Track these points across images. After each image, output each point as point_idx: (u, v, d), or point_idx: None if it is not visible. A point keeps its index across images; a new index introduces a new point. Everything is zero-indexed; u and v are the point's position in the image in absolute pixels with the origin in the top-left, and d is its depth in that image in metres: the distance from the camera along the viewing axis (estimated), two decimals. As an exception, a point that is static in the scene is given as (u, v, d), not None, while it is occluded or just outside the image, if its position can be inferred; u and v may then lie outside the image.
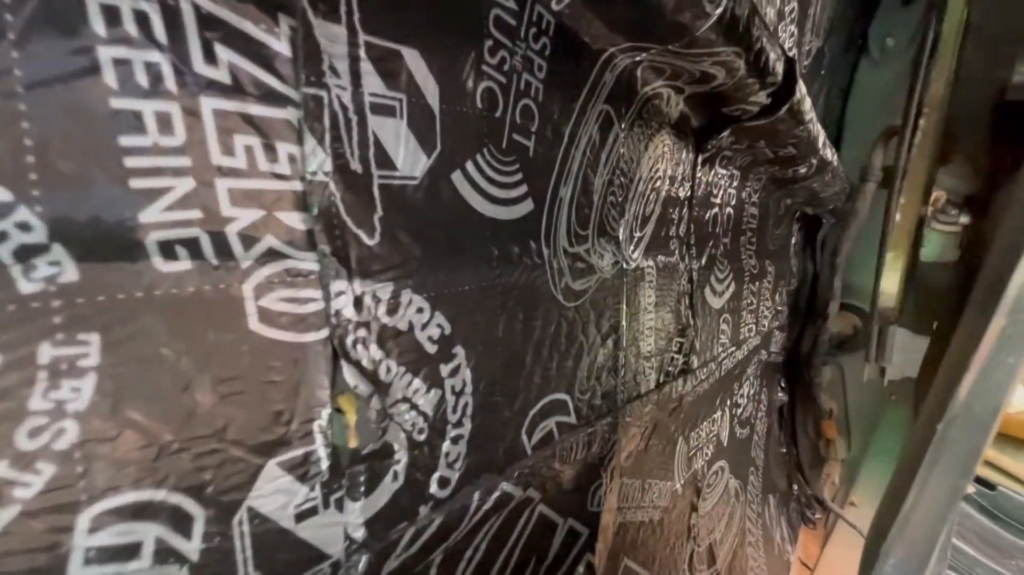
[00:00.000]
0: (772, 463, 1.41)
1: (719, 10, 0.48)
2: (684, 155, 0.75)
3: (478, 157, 0.42)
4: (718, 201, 0.87)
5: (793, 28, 1.01)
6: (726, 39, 0.52)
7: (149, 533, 0.26)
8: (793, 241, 1.37)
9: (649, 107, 0.64)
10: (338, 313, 0.32)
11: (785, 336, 1.39)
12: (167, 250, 0.25)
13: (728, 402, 1.06)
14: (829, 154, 0.98)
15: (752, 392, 1.22)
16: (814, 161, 0.94)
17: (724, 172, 0.87)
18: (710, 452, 0.98)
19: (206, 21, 0.25)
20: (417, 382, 0.38)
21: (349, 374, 0.33)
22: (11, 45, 0.21)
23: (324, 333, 0.32)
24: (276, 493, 0.31)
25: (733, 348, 1.01)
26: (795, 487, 1.55)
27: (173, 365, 0.26)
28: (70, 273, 0.22)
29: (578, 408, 0.57)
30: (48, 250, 0.22)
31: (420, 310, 0.38)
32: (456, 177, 0.40)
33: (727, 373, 0.99)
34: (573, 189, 0.53)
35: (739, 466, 1.15)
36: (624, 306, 0.63)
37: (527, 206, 0.47)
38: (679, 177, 0.74)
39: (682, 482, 0.87)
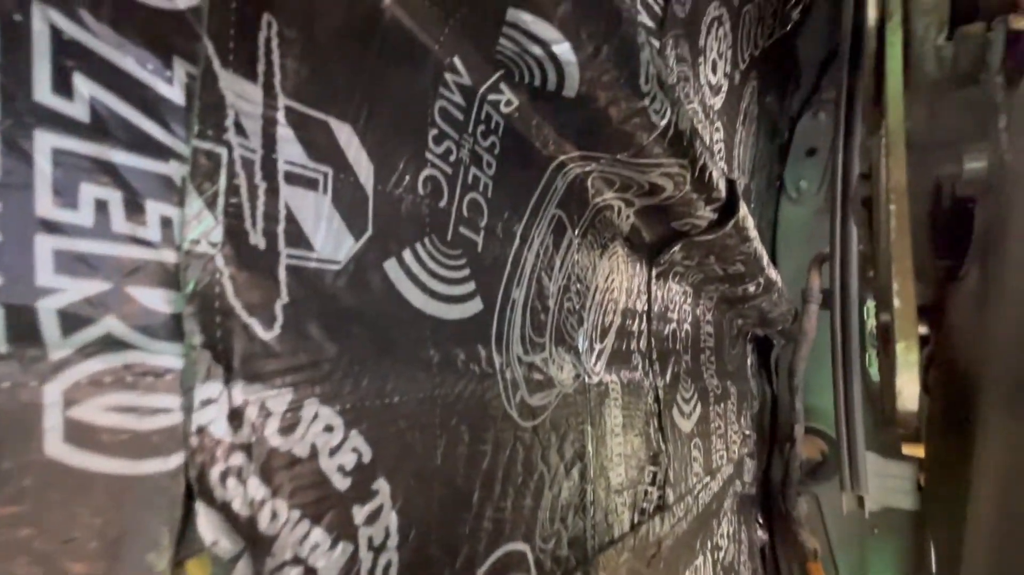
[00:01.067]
0: (764, 620, 1.22)
1: (664, 121, 0.49)
2: (638, 268, 0.73)
3: (418, 246, 0.37)
4: (675, 317, 0.85)
5: (723, 164, 1.11)
6: (671, 151, 0.53)
7: None
8: (749, 362, 1.36)
9: (601, 217, 0.63)
10: (202, 430, 0.23)
11: (755, 465, 1.31)
12: (-82, 327, 0.17)
13: (709, 544, 0.93)
14: (773, 274, 1.01)
15: (732, 531, 1.09)
16: (761, 280, 0.96)
17: (678, 288, 0.87)
18: (697, 612, 0.82)
19: (64, 44, 0.20)
20: (317, 533, 0.27)
21: (207, 523, 0.23)
22: None
23: (176, 460, 0.22)
24: None
25: (708, 478, 0.91)
26: (793, 651, 1.34)
27: None
28: None
29: (540, 561, 0.45)
30: None
31: (329, 428, 0.29)
32: (390, 266, 0.34)
33: (704, 508, 0.88)
34: (527, 291, 0.48)
35: (730, 628, 0.98)
36: (589, 427, 0.55)
37: (475, 305, 0.41)
38: (635, 290, 0.72)
39: (670, 657, 0.70)
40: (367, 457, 0.30)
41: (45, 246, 0.20)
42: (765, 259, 0.93)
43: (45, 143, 0.20)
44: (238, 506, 0.24)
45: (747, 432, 1.23)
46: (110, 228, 0.22)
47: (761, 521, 1.36)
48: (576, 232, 0.57)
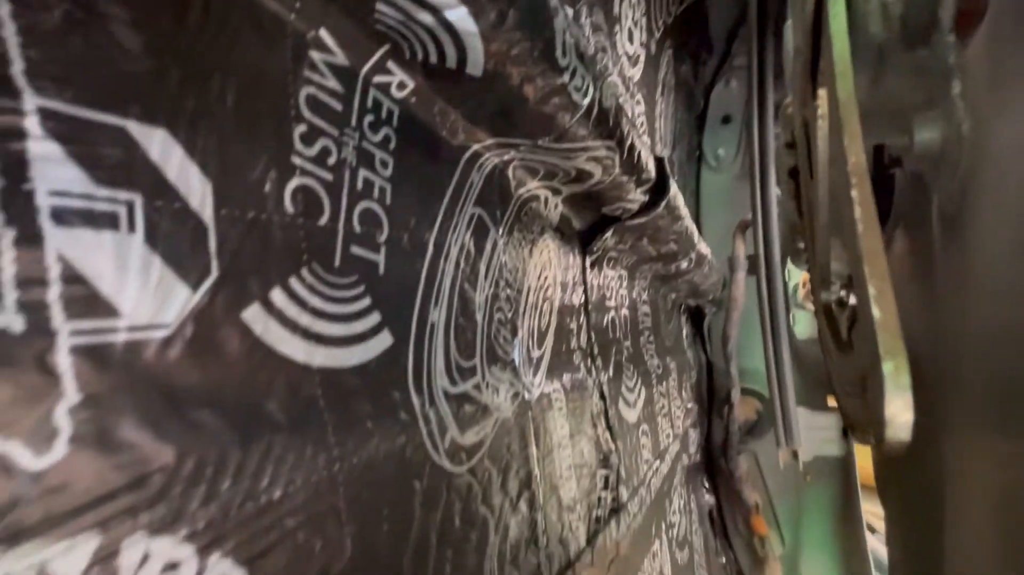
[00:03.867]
0: (717, 581, 1.26)
1: (587, 99, 0.43)
2: (572, 259, 0.68)
3: (293, 281, 0.28)
4: (612, 304, 0.81)
5: (645, 138, 1.08)
6: (597, 132, 0.47)
7: None
8: (684, 333, 1.38)
9: (527, 210, 0.56)
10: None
11: (699, 434, 1.34)
12: None
13: (663, 524, 0.93)
14: (704, 248, 1.01)
15: (682, 504, 1.10)
16: (693, 255, 0.95)
17: (613, 274, 0.83)
18: (657, 597, 0.82)
19: None
20: None
21: None
22: None
23: None
24: None
25: (657, 462, 0.90)
26: (745, 602, 1.41)
27: None
28: None
29: (492, 620, 0.39)
30: None
31: (172, 566, 0.20)
32: (252, 314, 0.26)
33: (657, 493, 0.87)
34: (448, 310, 0.41)
35: (688, 600, 0.99)
36: (534, 449, 0.49)
37: (383, 340, 0.34)
38: (570, 283, 0.67)
39: (637, 655, 0.68)
40: (240, 584, 0.22)
41: None
42: (696, 235, 0.91)
43: None
44: None
45: (689, 405, 1.25)
46: None
47: (707, 485, 1.40)
48: (501, 231, 0.50)
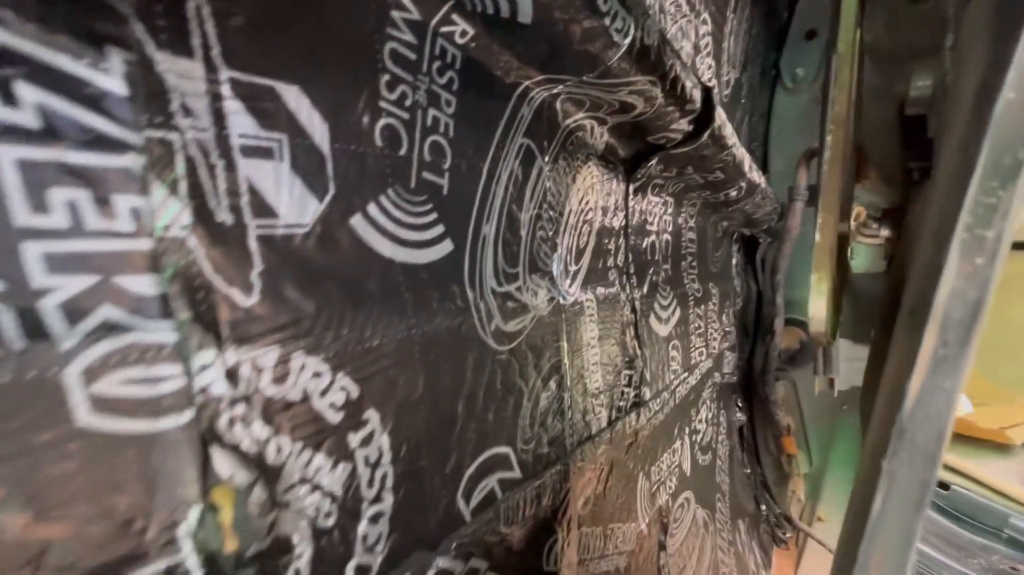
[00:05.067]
0: (738, 487, 1.39)
1: (627, 40, 0.47)
2: (615, 185, 0.74)
3: (382, 198, 0.38)
4: (654, 229, 0.87)
5: (710, 61, 1.05)
6: (639, 68, 0.52)
7: None
8: (734, 262, 1.40)
9: (573, 139, 0.63)
10: (205, 390, 0.27)
11: (737, 356, 1.40)
12: (-56, 337, 0.20)
13: (687, 430, 1.04)
14: (756, 177, 1.01)
15: (710, 416, 1.21)
16: (743, 184, 0.96)
17: (657, 200, 0.88)
18: (673, 485, 0.95)
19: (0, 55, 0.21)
20: (319, 458, 0.33)
21: (223, 462, 0.28)
22: None
23: (187, 417, 0.27)
24: (127, 627, 0.24)
25: (685, 374, 0.99)
26: (763, 507, 1.54)
27: (-44, 485, 0.20)
28: None
29: (522, 460, 0.52)
30: None
31: (317, 375, 0.33)
32: (356, 221, 0.36)
33: (682, 400, 0.97)
34: (497, 226, 0.50)
35: (705, 495, 1.12)
36: (565, 343, 0.60)
37: (445, 247, 0.44)
38: (611, 207, 0.73)
39: (647, 521, 0.82)
40: (355, 394, 0.35)
41: (32, 252, 0.22)
42: (747, 163, 0.92)
43: (6, 156, 0.22)
44: (246, 446, 0.29)
45: (728, 329, 1.30)
46: (85, 226, 0.24)
47: (741, 405, 1.49)
48: (546, 159, 0.58)
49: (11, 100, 0.22)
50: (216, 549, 0.27)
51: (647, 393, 0.80)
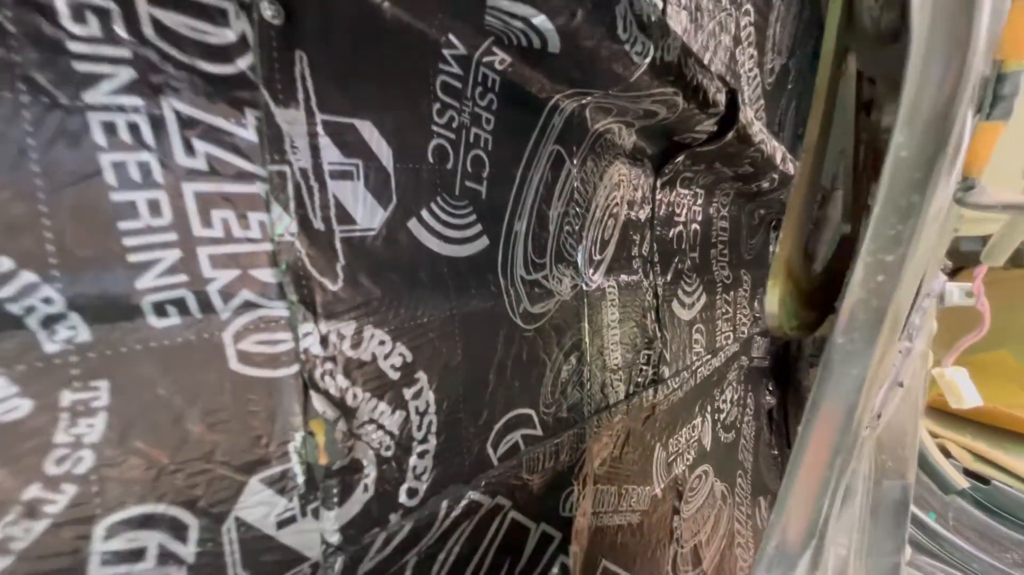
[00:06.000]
0: (763, 466, 1.44)
1: (647, 59, 0.54)
2: (642, 180, 0.80)
3: (432, 205, 0.48)
4: (682, 219, 0.93)
5: (752, 51, 1.07)
6: (660, 82, 0.58)
7: (152, 539, 0.31)
8: (771, 249, 1.42)
9: (602, 141, 0.70)
10: (306, 351, 0.38)
11: (769, 341, 1.43)
12: (160, 309, 0.32)
13: (709, 408, 1.10)
14: (791, 168, 1.04)
15: (736, 397, 1.26)
16: (775, 176, 0.99)
17: (686, 192, 0.93)
18: (691, 457, 1.02)
19: (185, 122, 0.32)
20: (382, 405, 0.44)
21: (318, 402, 0.39)
22: (33, 163, 0.27)
23: (295, 368, 0.38)
24: (259, 505, 0.36)
25: (709, 356, 1.05)
26: (790, 488, 1.58)
27: (167, 402, 0.32)
28: (84, 334, 0.29)
29: (544, 421, 0.62)
30: (66, 318, 0.28)
31: (382, 343, 0.43)
32: (412, 224, 0.46)
33: (704, 380, 1.04)
34: (528, 223, 0.59)
35: (725, 470, 1.19)
36: (586, 324, 0.69)
37: (482, 243, 0.53)
38: (638, 201, 0.80)
39: (662, 486, 0.91)
40: (409, 358, 0.46)
41: (204, 253, 0.33)
42: (779, 155, 0.95)
43: (189, 190, 0.33)
44: (333, 391, 0.40)
45: (759, 315, 1.34)
46: (232, 235, 0.35)
47: (772, 388, 1.52)
48: (575, 161, 0.65)
49: (191, 151, 0.32)
50: (313, 462, 0.39)
51: (666, 371, 0.88)
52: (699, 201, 0.98)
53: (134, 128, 0.30)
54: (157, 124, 0.31)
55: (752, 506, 1.32)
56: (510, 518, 0.59)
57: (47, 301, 0.28)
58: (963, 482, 1.53)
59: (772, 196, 1.12)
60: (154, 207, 0.31)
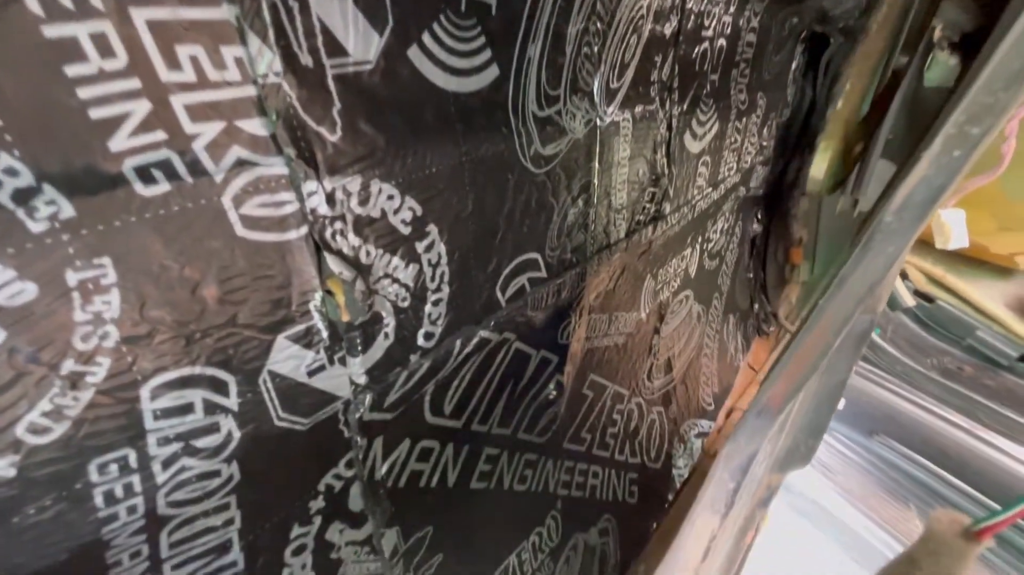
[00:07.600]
0: (737, 288, 1.55)
1: None
2: (674, -17, 0.67)
3: (435, 26, 0.40)
4: (709, 33, 0.81)
5: None
6: None
7: (197, 396, 0.33)
8: (794, 66, 1.28)
9: (634, -72, 0.55)
10: (313, 211, 0.35)
11: (768, 170, 1.40)
12: (144, 175, 0.28)
13: (699, 239, 1.13)
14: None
15: (726, 227, 1.28)
16: (824, -23, 0.84)
17: (720, -3, 0.79)
18: (677, 284, 1.09)
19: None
20: (396, 260, 0.43)
21: (332, 262, 0.37)
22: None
23: (304, 230, 0.35)
24: (289, 359, 0.38)
25: (710, 189, 1.04)
26: (756, 306, 1.74)
27: (178, 274, 0.30)
28: (67, 210, 0.25)
29: (549, 264, 0.63)
30: (41, 191, 0.24)
31: (391, 197, 0.40)
32: (413, 53, 0.39)
33: (700, 214, 1.04)
34: (543, 45, 0.50)
35: (703, 293, 1.28)
36: (596, 164, 0.65)
37: (491, 73, 0.46)
38: (666, 10, 0.68)
39: (647, 312, 0.99)
40: (419, 212, 0.43)
41: (179, 103, 0.28)
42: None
43: (140, 17, 0.25)
44: (346, 251, 0.38)
45: (765, 143, 1.28)
46: (207, 78, 0.29)
47: (760, 216, 1.55)
48: (601, -41, 0.53)
49: (129, -38, 0.24)
50: (336, 319, 0.39)
51: (667, 208, 0.87)
52: (731, 8, 0.84)
53: (41, -76, 0.22)
54: (71, -83, 0.22)
55: (722, 323, 1.46)
56: (514, 348, 0.64)
57: (10, 172, 0.24)
58: (911, 301, 1.69)
59: (811, 2, 0.96)
60: (102, 44, 0.25)
